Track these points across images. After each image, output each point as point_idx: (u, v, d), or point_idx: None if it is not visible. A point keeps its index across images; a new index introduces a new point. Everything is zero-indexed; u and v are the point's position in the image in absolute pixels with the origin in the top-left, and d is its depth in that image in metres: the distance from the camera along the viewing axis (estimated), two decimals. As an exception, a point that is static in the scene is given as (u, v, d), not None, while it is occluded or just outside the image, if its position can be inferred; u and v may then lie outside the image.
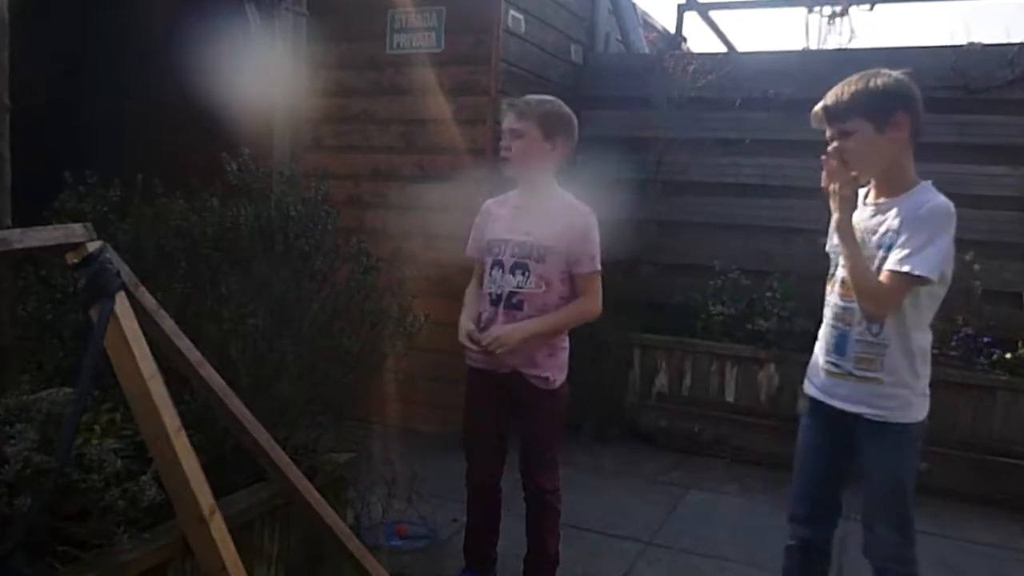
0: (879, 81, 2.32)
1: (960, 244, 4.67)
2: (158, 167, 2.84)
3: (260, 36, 3.10)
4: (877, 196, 2.42)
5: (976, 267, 4.62)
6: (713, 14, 7.80)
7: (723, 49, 7.94)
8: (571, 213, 2.93)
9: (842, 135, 2.36)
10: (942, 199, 2.31)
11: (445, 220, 4.98)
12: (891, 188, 2.38)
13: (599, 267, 2.92)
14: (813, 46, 6.68)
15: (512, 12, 5.07)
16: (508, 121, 2.94)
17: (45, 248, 2.07)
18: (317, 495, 2.52)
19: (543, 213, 2.92)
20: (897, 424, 2.40)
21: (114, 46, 5.61)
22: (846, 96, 2.35)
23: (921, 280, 2.25)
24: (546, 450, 3.00)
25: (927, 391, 2.44)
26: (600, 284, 2.95)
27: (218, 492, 2.20)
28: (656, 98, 5.71)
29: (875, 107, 2.29)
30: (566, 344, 3.03)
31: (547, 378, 2.91)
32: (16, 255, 2.19)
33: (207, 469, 2.15)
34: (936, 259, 2.23)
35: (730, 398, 5.09)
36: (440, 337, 4.28)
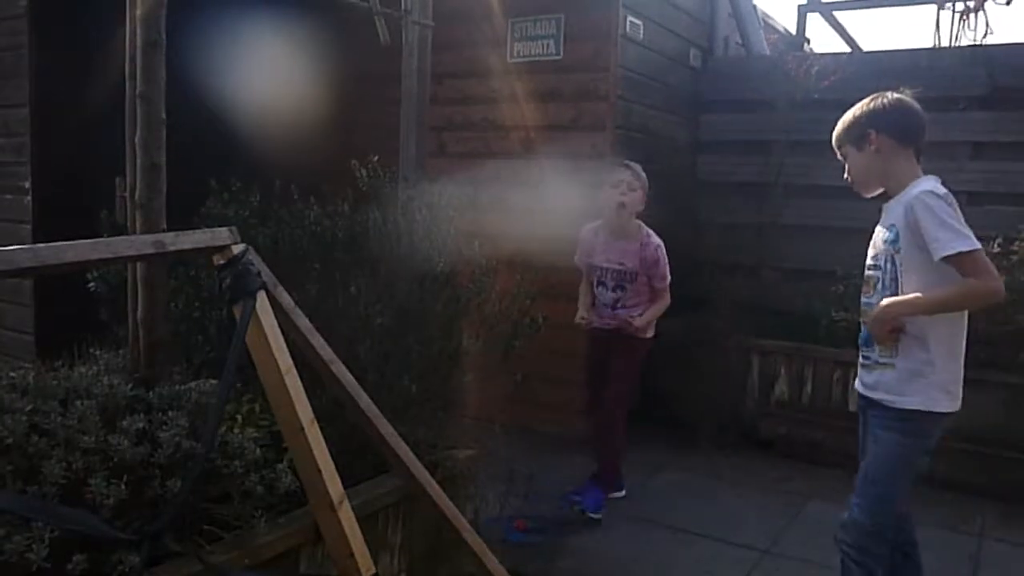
0: (857, 110, 2.70)
1: None
2: (295, 174, 3.02)
3: (389, 48, 3.23)
4: (887, 200, 2.69)
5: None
6: (837, 14, 7.55)
7: (847, 49, 7.66)
8: (647, 246, 4.09)
9: (844, 159, 2.75)
10: (920, 188, 2.50)
11: (564, 225, 5.04)
12: (892, 191, 2.66)
13: (667, 281, 4.13)
14: (944, 44, 6.36)
15: (630, 18, 5.08)
16: (627, 178, 4.09)
17: (195, 250, 2.25)
18: (438, 489, 2.61)
19: (631, 247, 4.12)
20: (903, 410, 2.48)
21: (254, 60, 5.94)
22: (838, 129, 2.75)
23: (966, 255, 2.34)
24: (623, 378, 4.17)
25: (951, 387, 2.50)
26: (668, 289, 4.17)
27: (346, 483, 2.32)
28: (778, 100, 5.57)
29: (852, 132, 2.68)
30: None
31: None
32: (170, 256, 2.39)
33: (337, 461, 2.27)
34: (950, 234, 2.37)
35: (853, 407, 4.89)
36: (557, 338, 4.34)
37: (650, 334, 4.19)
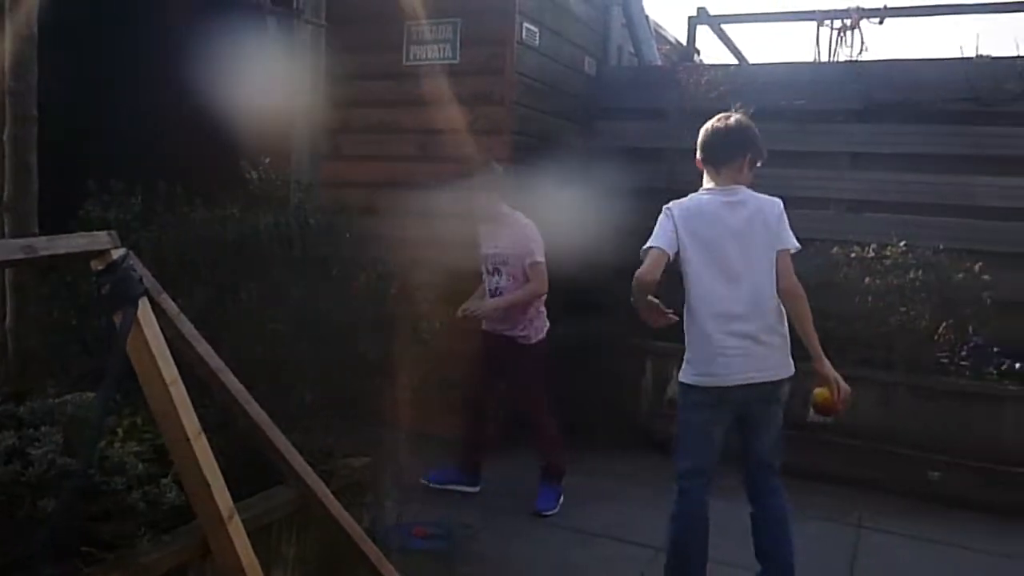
0: None
1: (970, 254, 4.78)
2: (180, 176, 2.90)
3: (279, 47, 3.16)
4: None
5: (986, 277, 4.63)
6: (725, 27, 7.84)
7: (735, 61, 7.98)
8: (515, 225, 4.28)
9: None
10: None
11: (460, 228, 5.03)
12: None
13: (538, 261, 4.20)
14: (824, 59, 6.72)
15: (527, 25, 5.13)
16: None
17: (71, 255, 2.12)
18: (333, 499, 2.55)
19: (503, 230, 4.29)
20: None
21: (135, 58, 5.70)
22: None
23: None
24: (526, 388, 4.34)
25: (694, 363, 3.10)
26: (543, 271, 4.22)
27: (236, 496, 2.24)
28: (669, 109, 5.74)
29: None
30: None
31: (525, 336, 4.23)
32: (42, 262, 2.25)
33: (226, 473, 2.19)
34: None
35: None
36: (454, 342, 4.32)
37: (537, 338, 4.28)
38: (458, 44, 5.11)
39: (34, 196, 2.32)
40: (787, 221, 3.08)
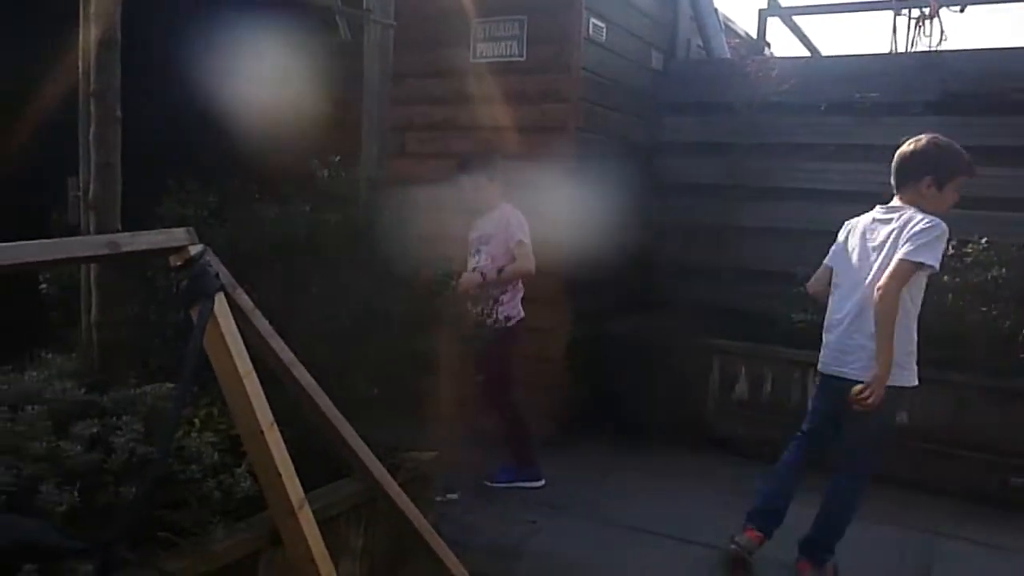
0: None
1: None
2: (255, 174, 2.97)
3: (350, 46, 3.21)
4: None
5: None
6: (796, 19, 7.67)
7: (807, 54, 7.79)
8: (502, 209, 4.39)
9: None
10: None
11: (532, 225, 5.04)
12: None
13: (522, 243, 4.25)
14: (901, 49, 6.51)
15: (593, 20, 5.10)
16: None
17: (151, 251, 2.20)
18: (399, 491, 2.59)
19: (492, 216, 4.42)
20: None
21: (208, 59, 5.85)
22: None
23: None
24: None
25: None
26: (529, 251, 4.24)
27: (306, 486, 2.29)
28: (738, 103, 5.64)
29: None
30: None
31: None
32: (125, 258, 2.33)
33: (296, 464, 2.24)
34: None
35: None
36: (526, 341, 4.32)
37: (503, 322, 4.06)
38: (524, 41, 5.11)
39: (117, 194, 2.40)
40: (929, 239, 3.17)
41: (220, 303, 2.14)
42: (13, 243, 1.79)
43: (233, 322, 2.17)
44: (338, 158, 2.96)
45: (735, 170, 5.58)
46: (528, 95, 5.09)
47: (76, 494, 1.89)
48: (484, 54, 5.24)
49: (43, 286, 2.84)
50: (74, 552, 1.81)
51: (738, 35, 7.65)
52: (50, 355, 2.48)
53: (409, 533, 2.61)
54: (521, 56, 5.12)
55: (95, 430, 2.06)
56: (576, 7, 4.97)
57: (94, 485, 1.97)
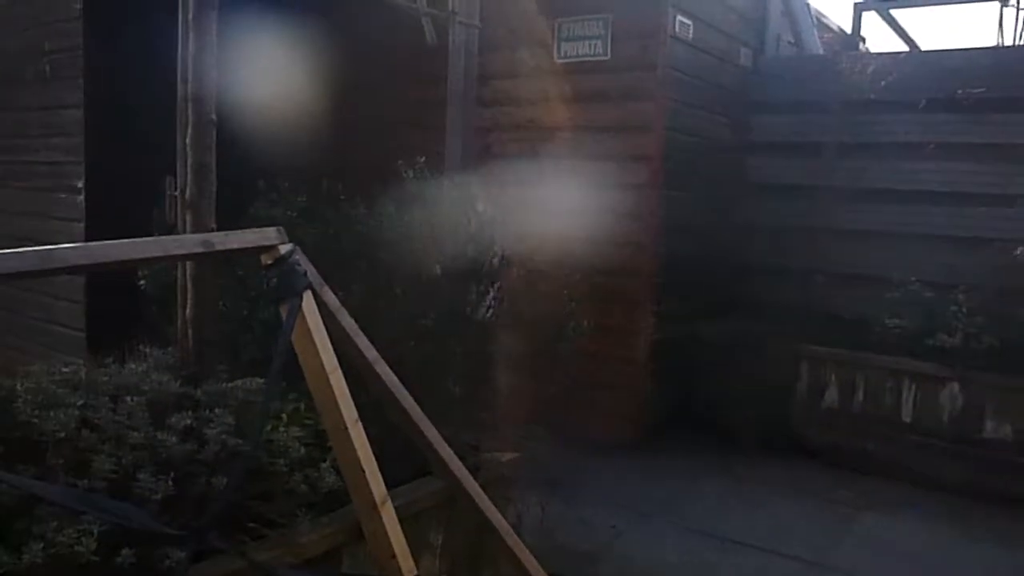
0: None
1: None
2: (342, 176, 3.03)
3: (435, 49, 3.23)
4: None
5: None
6: (894, 12, 7.37)
7: (905, 49, 7.48)
8: None
9: None
10: None
11: (612, 226, 5.00)
12: None
13: None
14: (1008, 42, 6.18)
15: (680, 17, 5.02)
16: None
17: (243, 249, 2.26)
18: (479, 491, 2.59)
19: None
20: None
21: (302, 62, 6.00)
22: None
23: None
24: None
25: None
26: None
27: (389, 483, 2.32)
28: (831, 101, 5.45)
29: None
30: None
31: None
32: (218, 256, 2.41)
33: (379, 460, 2.27)
34: None
35: (907, 417, 4.77)
36: (605, 343, 4.28)
37: None
38: (609, 39, 5.07)
39: (212, 195, 2.49)
40: None
41: (308, 301, 2.19)
42: (114, 241, 1.87)
43: (320, 320, 2.21)
44: (423, 159, 2.99)
45: (828, 170, 5.40)
46: (612, 94, 5.05)
47: (171, 483, 1.95)
48: (568, 53, 5.22)
49: (142, 282, 2.96)
50: (168, 538, 1.87)
51: (831, 30, 7.41)
52: (148, 349, 2.58)
53: (488, 533, 2.61)
54: (605, 55, 5.08)
55: (189, 422, 2.13)
56: (662, 4, 4.89)
57: (188, 475, 2.04)
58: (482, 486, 2.64)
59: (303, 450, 2.25)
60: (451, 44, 3.25)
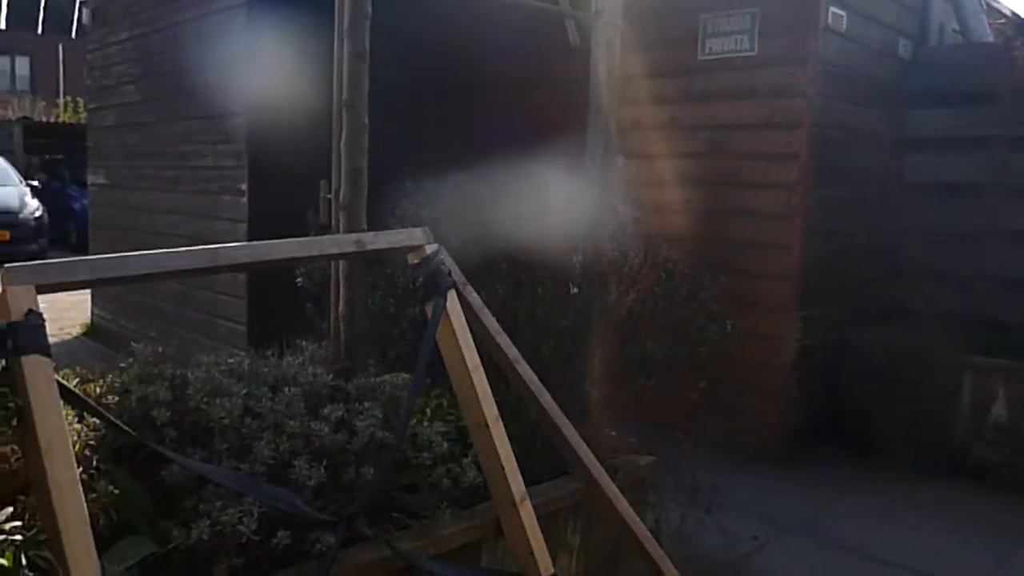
0: None
1: None
2: (482, 177, 3.09)
3: (574, 50, 3.24)
4: None
5: None
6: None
7: (1090, 32, 6.84)
8: None
9: None
10: None
11: (755, 228, 4.85)
12: None
13: None
14: None
15: (833, 9, 4.79)
16: None
17: (392, 249, 2.35)
18: (618, 492, 2.58)
19: None
20: None
21: (443, 63, 6.17)
22: None
23: None
24: None
25: None
26: None
27: (528, 481, 2.34)
28: (1001, 91, 5.06)
29: None
30: None
31: None
32: (369, 255, 2.52)
33: (519, 458, 2.30)
34: None
35: (1087, 437, 4.36)
36: (749, 349, 4.15)
37: None
38: (756, 34, 4.91)
39: (364, 196, 2.60)
40: None
41: (452, 300, 2.25)
42: (277, 240, 1.98)
43: (463, 318, 2.27)
44: (563, 160, 3.00)
45: (997, 166, 5.01)
46: (759, 91, 4.88)
47: (323, 471, 2.06)
48: (712, 50, 5.10)
49: (299, 280, 3.13)
50: (320, 523, 1.97)
51: (1003, 15, 6.87)
52: (304, 343, 2.73)
53: (626, 536, 2.59)
54: (752, 50, 4.92)
55: (341, 413, 2.23)
56: (814, -6, 4.69)
57: (339, 464, 2.14)
58: (620, 488, 2.62)
59: (446, 445, 2.31)
60: (594, 45, 3.23)
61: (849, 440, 4.74)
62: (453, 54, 6.01)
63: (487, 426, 2.23)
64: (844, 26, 4.90)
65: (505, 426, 2.29)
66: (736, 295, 3.91)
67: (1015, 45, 5.18)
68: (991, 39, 5.91)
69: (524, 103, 5.83)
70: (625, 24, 3.29)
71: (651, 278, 2.93)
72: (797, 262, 4.75)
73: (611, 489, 2.56)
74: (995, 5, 6.75)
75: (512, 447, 2.29)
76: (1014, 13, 6.88)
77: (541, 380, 2.49)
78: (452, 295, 2.26)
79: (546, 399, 2.46)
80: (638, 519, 2.61)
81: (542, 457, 2.65)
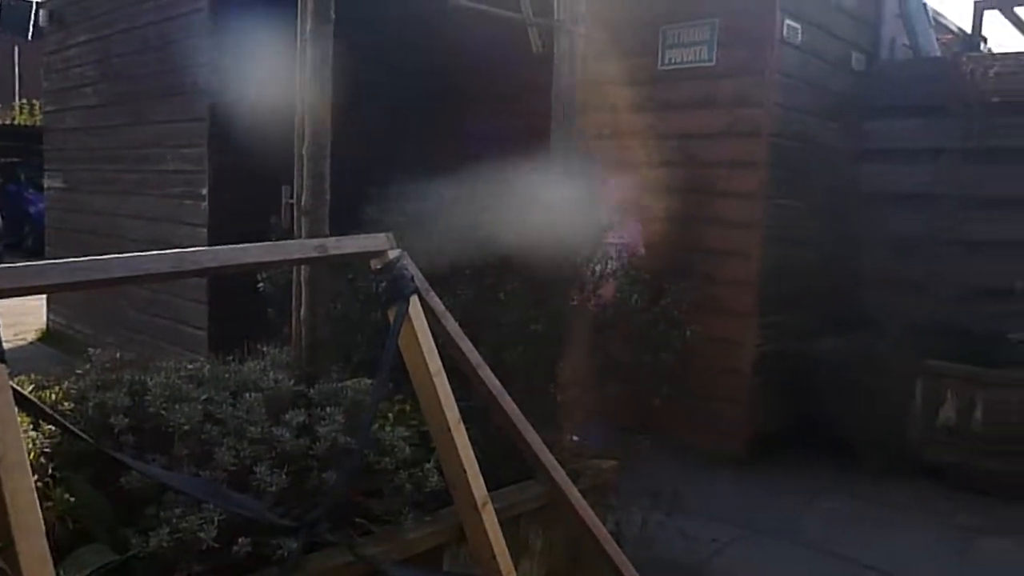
0: None
1: None
2: (448, 181, 3.10)
3: (539, 57, 3.27)
4: None
5: None
6: (1019, 9, 6.98)
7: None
8: None
9: None
10: None
11: (720, 235, 4.93)
12: None
13: None
14: None
15: (788, 21, 4.90)
16: None
17: (355, 254, 2.35)
18: (579, 497, 2.60)
19: None
20: None
21: (406, 69, 6.17)
22: None
23: None
24: None
25: None
26: None
27: (491, 486, 2.36)
28: (950, 105, 5.20)
29: None
30: None
31: None
32: (332, 260, 2.51)
33: (482, 463, 2.31)
34: None
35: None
36: (712, 354, 4.20)
37: None
38: (715, 45, 5.00)
39: (326, 202, 2.60)
40: None
41: (415, 305, 2.26)
42: (243, 245, 1.98)
43: (426, 323, 2.28)
44: (529, 167, 3.03)
45: (948, 177, 5.15)
46: (718, 101, 4.97)
47: (285, 477, 2.05)
48: (672, 60, 5.18)
49: (261, 284, 3.12)
50: (282, 529, 1.96)
51: (950, 31, 7.07)
52: (265, 348, 2.71)
53: (587, 540, 2.62)
54: (711, 61, 5.01)
55: (303, 419, 2.23)
56: (770, 7, 4.79)
57: (301, 470, 2.13)
58: (582, 492, 2.64)
59: (408, 450, 2.31)
60: (556, 52, 3.27)
61: (814, 444, 4.82)
62: (421, 60, 6.03)
63: (449, 431, 2.24)
64: (800, 39, 5.01)
65: (468, 430, 2.30)
66: (700, 301, 3.97)
67: (963, 60, 5.34)
68: (939, 54, 6.08)
69: (493, 110, 5.86)
70: (589, 31, 3.34)
71: (612, 285, 2.96)
72: (756, 269, 4.84)
73: (573, 493, 2.58)
74: (943, 21, 6.95)
75: (475, 451, 2.30)
76: (960, 29, 7.09)
77: (506, 385, 2.50)
78: (415, 300, 2.27)
79: (508, 404, 2.48)
80: (600, 523, 2.63)
81: (505, 461, 2.66)
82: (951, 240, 5.15)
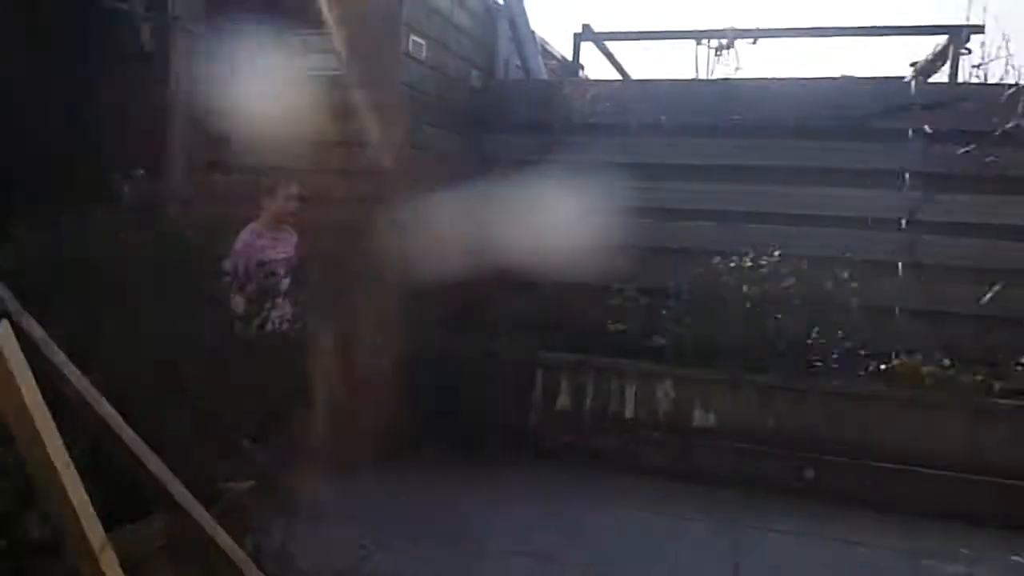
0: None
1: (840, 263, 5.06)
2: (47, 183, 2.74)
3: (158, 56, 3.03)
4: None
5: (854, 285, 4.91)
6: (608, 44, 8.04)
7: (618, 77, 8.20)
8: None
9: None
10: None
11: (350, 244, 4.95)
12: None
13: None
14: (703, 76, 7.02)
15: (413, 37, 5.12)
16: (295, 192, 4.56)
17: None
18: (213, 523, 2.45)
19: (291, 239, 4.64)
20: None
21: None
22: None
23: None
24: None
25: None
26: None
27: (112, 525, 2.12)
28: (555, 123, 5.83)
29: None
30: None
31: None
32: None
33: (98, 503, 2.07)
34: None
35: (630, 414, 5.19)
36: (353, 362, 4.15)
37: None
38: (345, 55, 5.03)
39: None
40: None
41: (4, 331, 1.95)
42: None
43: (20, 352, 1.98)
44: (142, 172, 2.79)
45: (553, 189, 5.73)
46: (350, 109, 5.02)
47: None
48: (313, 66, 5.11)
49: None
50: None
51: (555, 57, 7.93)
52: None
53: (223, 566, 2.48)
54: (342, 70, 5.04)
55: None
56: (395, 23, 4.96)
57: None
58: (219, 517, 2.50)
59: (-1, 504, 2.00)
60: (173, 51, 3.06)
61: (458, 440, 5.07)
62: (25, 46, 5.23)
63: (57, 474, 1.98)
64: (424, 54, 5.26)
65: (80, 469, 2.04)
66: (338, 307, 3.97)
67: (566, 84, 6.03)
68: (546, 77, 6.80)
69: (101, 109, 5.28)
70: (216, 35, 3.18)
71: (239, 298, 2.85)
72: (391, 276, 4.97)
73: (205, 519, 2.43)
74: (549, 48, 7.77)
75: (90, 491, 2.05)
76: (563, 56, 7.97)
77: (125, 416, 2.27)
78: (4, 326, 1.96)
79: (127, 434, 2.25)
80: (235, 546, 2.51)
81: (128, 497, 2.42)
82: (557, 245, 5.73)
